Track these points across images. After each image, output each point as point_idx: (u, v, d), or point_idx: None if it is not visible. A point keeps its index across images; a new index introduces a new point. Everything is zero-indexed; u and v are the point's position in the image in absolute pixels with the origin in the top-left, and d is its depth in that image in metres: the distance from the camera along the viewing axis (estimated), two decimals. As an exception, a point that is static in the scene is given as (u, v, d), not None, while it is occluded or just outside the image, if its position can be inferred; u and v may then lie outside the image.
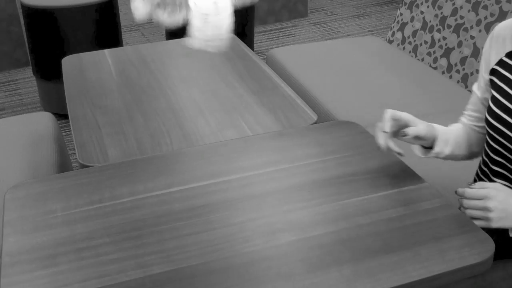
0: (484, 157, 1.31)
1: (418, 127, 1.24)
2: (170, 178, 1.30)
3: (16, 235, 1.13)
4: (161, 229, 1.13)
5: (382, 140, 1.20)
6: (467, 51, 2.34)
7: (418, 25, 2.67)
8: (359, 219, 1.15)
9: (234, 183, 1.27)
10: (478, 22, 2.30)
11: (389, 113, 1.21)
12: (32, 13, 2.91)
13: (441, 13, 2.52)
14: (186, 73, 2.08)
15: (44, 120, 2.16)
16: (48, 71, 3.06)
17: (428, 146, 1.32)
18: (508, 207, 1.10)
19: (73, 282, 1.01)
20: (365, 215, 1.16)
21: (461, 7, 2.41)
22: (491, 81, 1.27)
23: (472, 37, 2.32)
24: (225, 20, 0.91)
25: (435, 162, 1.39)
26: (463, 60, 2.35)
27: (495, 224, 1.10)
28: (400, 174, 1.29)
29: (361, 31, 4.36)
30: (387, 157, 1.36)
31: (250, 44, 3.64)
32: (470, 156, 1.37)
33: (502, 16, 2.20)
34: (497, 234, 1.26)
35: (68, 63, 2.19)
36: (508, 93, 1.22)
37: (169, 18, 1.00)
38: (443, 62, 2.47)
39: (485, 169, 1.31)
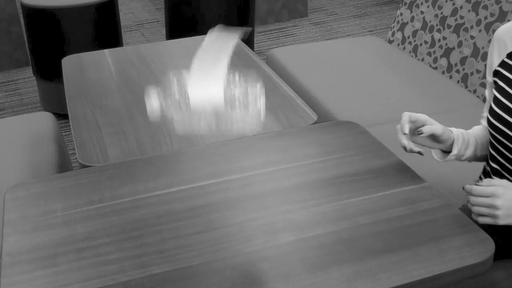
0: (488, 156, 1.32)
1: (434, 126, 1.26)
2: (170, 178, 1.30)
3: (16, 235, 1.13)
4: (161, 229, 1.13)
5: (405, 141, 1.24)
6: (467, 51, 2.34)
7: (418, 25, 2.67)
8: (359, 219, 1.15)
9: (234, 183, 1.27)
10: (478, 22, 2.30)
11: (406, 115, 1.25)
12: (32, 13, 2.91)
13: (441, 13, 2.52)
14: (186, 73, 2.08)
15: (44, 120, 2.16)
16: (48, 71, 3.06)
17: (447, 150, 1.33)
18: None
19: (73, 282, 1.01)
20: (365, 215, 1.16)
21: (461, 7, 2.41)
22: (495, 82, 1.28)
23: (472, 37, 2.32)
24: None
25: (435, 162, 1.39)
26: (463, 60, 2.35)
27: (501, 221, 1.10)
28: (400, 174, 1.29)
29: (361, 31, 4.36)
30: (387, 157, 1.36)
31: (250, 44, 3.64)
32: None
33: (502, 16, 2.20)
34: (498, 234, 1.27)
35: (68, 63, 2.19)
36: (509, 93, 1.23)
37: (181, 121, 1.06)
38: (443, 62, 2.47)
39: (487, 167, 1.33)
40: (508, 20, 2.16)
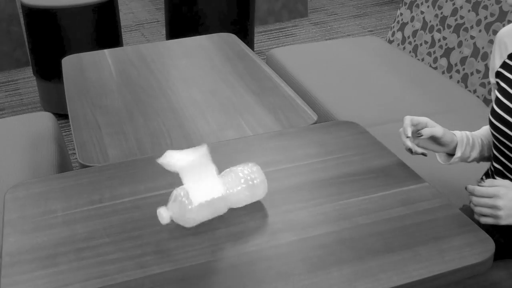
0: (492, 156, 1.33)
1: (434, 128, 1.27)
2: (170, 178, 1.29)
3: (16, 235, 1.13)
4: (161, 229, 1.13)
5: (409, 143, 1.26)
6: (467, 51, 2.34)
7: (418, 25, 2.67)
8: (359, 219, 1.15)
9: (234, 183, 1.27)
10: (478, 22, 2.30)
11: (408, 119, 1.27)
12: (32, 13, 2.91)
13: (441, 13, 2.52)
14: (186, 73, 2.08)
15: (44, 120, 2.16)
16: (48, 71, 3.06)
17: (452, 153, 1.34)
18: None
19: (73, 282, 1.01)
20: (365, 215, 1.16)
21: (461, 7, 2.41)
22: (497, 83, 1.29)
23: (472, 37, 2.32)
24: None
25: (435, 162, 1.39)
26: (463, 60, 2.35)
27: (503, 222, 1.11)
28: (400, 174, 1.29)
29: (361, 31, 4.36)
30: (387, 157, 1.36)
31: (250, 44, 3.64)
32: None
33: (502, 16, 2.20)
34: (500, 234, 1.27)
35: (68, 63, 2.19)
36: (510, 94, 1.23)
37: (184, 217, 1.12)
38: (443, 62, 2.47)
39: (491, 167, 1.33)
40: (509, 21, 2.16)
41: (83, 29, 2.96)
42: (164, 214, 1.09)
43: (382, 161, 1.34)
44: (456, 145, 1.32)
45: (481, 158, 1.37)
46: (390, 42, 2.87)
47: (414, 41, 2.68)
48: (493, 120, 1.25)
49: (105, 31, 3.04)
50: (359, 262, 1.04)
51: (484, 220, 1.12)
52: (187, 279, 1.01)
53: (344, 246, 1.08)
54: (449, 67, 2.42)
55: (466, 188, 1.15)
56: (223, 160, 1.37)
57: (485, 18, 2.27)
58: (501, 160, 1.28)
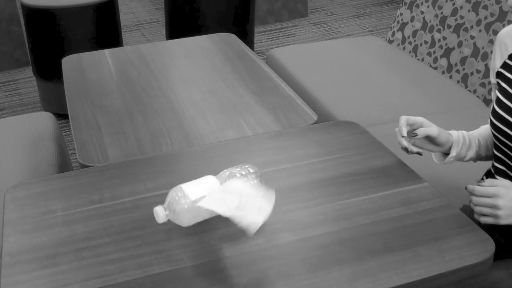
0: (493, 157, 1.33)
1: (429, 128, 1.28)
2: (170, 178, 1.30)
3: (16, 235, 1.13)
4: (161, 229, 1.13)
5: (405, 142, 1.27)
6: (467, 51, 2.34)
7: (418, 25, 2.67)
8: (359, 219, 1.15)
9: (234, 183, 1.27)
10: (478, 22, 2.30)
11: (404, 118, 1.28)
12: (32, 13, 2.91)
13: (441, 13, 2.52)
14: (186, 73, 2.08)
15: (44, 120, 2.16)
16: (48, 71, 3.06)
17: (447, 153, 1.34)
18: None
19: (73, 282, 1.01)
20: (365, 215, 1.16)
21: (461, 7, 2.41)
22: (498, 83, 1.29)
23: (472, 37, 2.32)
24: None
25: (435, 162, 1.39)
26: (463, 60, 2.35)
27: (503, 221, 1.11)
28: (400, 174, 1.29)
29: (361, 31, 4.36)
30: (387, 157, 1.36)
31: (250, 44, 3.64)
32: None
33: (502, 16, 2.20)
34: (500, 234, 1.27)
35: (68, 63, 2.19)
36: (511, 94, 1.23)
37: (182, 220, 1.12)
38: (443, 62, 2.47)
39: (491, 168, 1.33)
40: (509, 21, 2.16)
41: (83, 29, 2.96)
42: (160, 214, 1.09)
43: (382, 161, 1.34)
44: (452, 144, 1.32)
45: (478, 158, 1.37)
46: (390, 42, 2.87)
47: (414, 41, 2.68)
48: (494, 121, 1.25)
49: (105, 31, 3.04)
50: (359, 262, 1.04)
51: (484, 219, 1.12)
52: (187, 279, 1.01)
53: (344, 246, 1.08)
54: (449, 67, 2.42)
55: (466, 187, 1.16)
56: (223, 160, 1.37)
57: (485, 18, 2.27)
58: (503, 160, 1.28)
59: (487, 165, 1.40)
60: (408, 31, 2.74)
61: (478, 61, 2.27)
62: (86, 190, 1.26)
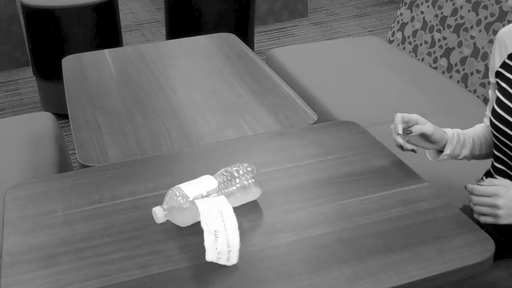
0: (493, 157, 1.33)
1: (424, 125, 1.28)
2: (170, 178, 1.30)
3: (16, 235, 1.13)
4: (161, 229, 1.13)
5: (400, 140, 1.27)
6: (467, 51, 2.34)
7: (418, 25, 2.67)
8: (359, 219, 1.15)
9: (234, 183, 1.27)
10: (478, 22, 2.30)
11: (399, 116, 1.28)
12: (32, 13, 2.91)
13: (441, 13, 2.52)
14: (186, 73, 2.08)
15: (44, 120, 2.16)
16: (48, 71, 3.06)
17: (442, 150, 1.34)
18: None
19: (73, 282, 1.01)
20: (365, 215, 1.16)
21: (461, 7, 2.41)
22: (497, 83, 1.29)
23: (472, 37, 2.32)
24: (233, 235, 1.01)
25: (435, 162, 1.40)
26: (463, 60, 2.35)
27: (503, 221, 1.11)
28: (400, 174, 1.29)
29: (361, 31, 4.36)
30: (387, 157, 1.36)
31: (250, 44, 3.64)
32: (491, 155, 1.39)
33: (502, 16, 2.20)
34: (500, 233, 1.27)
35: (68, 63, 2.19)
36: (510, 93, 1.23)
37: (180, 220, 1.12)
38: (443, 62, 2.47)
39: (490, 168, 1.33)
40: (509, 21, 2.16)
41: (83, 29, 2.96)
42: (159, 214, 1.09)
43: (382, 161, 1.34)
44: (446, 142, 1.32)
45: (472, 156, 1.37)
46: (390, 42, 2.87)
47: (414, 41, 2.68)
48: (493, 120, 1.25)
49: (105, 31, 3.04)
50: (359, 262, 1.04)
51: (483, 219, 1.12)
52: (187, 279, 1.01)
53: (344, 246, 1.08)
54: (449, 67, 2.42)
55: (465, 187, 1.16)
56: (223, 160, 1.37)
57: (485, 18, 2.27)
58: (503, 160, 1.28)
59: (487, 165, 1.40)
60: (408, 31, 2.74)
61: (478, 61, 2.27)
62: (86, 190, 1.26)
